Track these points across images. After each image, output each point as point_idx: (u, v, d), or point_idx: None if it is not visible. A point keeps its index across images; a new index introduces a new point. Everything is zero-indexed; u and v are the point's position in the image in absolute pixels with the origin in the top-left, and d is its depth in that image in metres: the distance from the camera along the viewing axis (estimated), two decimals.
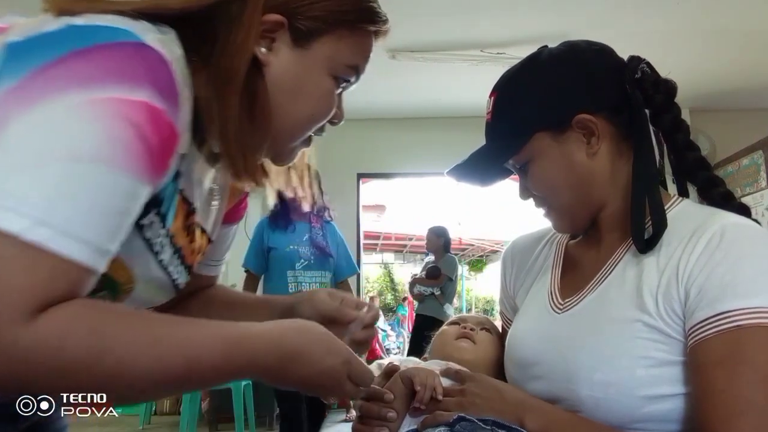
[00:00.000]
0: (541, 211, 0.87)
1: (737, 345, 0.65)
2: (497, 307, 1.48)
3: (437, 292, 5.12)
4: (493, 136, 0.85)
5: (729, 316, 0.66)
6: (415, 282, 5.52)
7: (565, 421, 0.72)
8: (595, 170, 0.80)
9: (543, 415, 0.72)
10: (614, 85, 0.80)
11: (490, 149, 0.85)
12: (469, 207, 12.15)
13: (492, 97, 0.84)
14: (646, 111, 0.80)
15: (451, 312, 5.05)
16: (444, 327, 1.01)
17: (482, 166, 0.86)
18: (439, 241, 5.35)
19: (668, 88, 0.80)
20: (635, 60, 0.81)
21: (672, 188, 0.85)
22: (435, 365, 0.87)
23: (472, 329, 0.96)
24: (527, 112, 0.81)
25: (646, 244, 0.75)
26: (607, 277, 0.79)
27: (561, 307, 0.83)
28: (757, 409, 0.63)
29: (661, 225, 0.74)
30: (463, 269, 15.60)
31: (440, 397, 0.76)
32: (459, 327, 0.98)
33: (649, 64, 0.81)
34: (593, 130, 0.78)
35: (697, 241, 0.71)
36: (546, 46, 0.85)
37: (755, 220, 0.75)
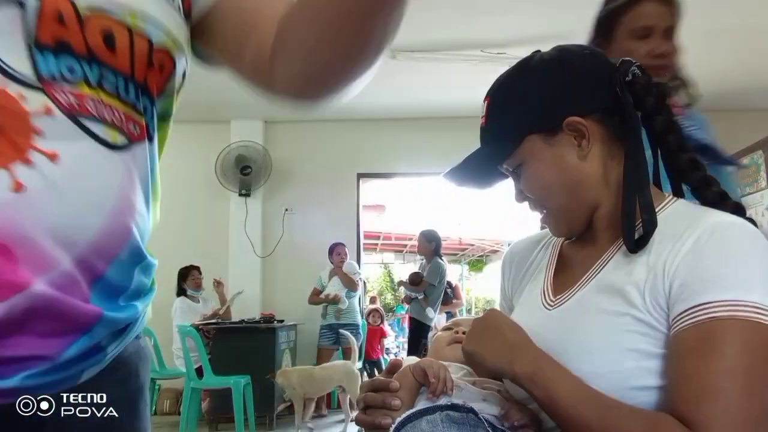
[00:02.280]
0: (538, 214, 0.88)
1: (710, 335, 0.66)
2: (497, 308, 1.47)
3: (420, 296, 5.33)
4: (487, 140, 0.86)
5: (705, 308, 0.67)
6: (401, 284, 5.80)
7: (550, 371, 0.72)
8: (586, 172, 0.81)
9: (531, 363, 0.73)
10: (605, 88, 0.81)
11: (485, 153, 0.86)
12: (469, 207, 12.14)
13: (485, 102, 0.86)
14: (638, 113, 0.81)
15: (432, 315, 5.28)
16: (438, 333, 1.00)
17: (477, 170, 0.87)
18: (430, 246, 5.42)
19: (659, 90, 0.81)
20: (626, 63, 0.82)
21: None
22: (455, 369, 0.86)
23: (464, 333, 0.94)
24: (518, 115, 0.82)
25: (636, 244, 0.75)
26: (597, 274, 0.80)
27: (552, 304, 0.84)
28: (726, 397, 0.64)
29: (651, 225, 0.75)
30: (463, 269, 15.61)
31: (451, 393, 0.77)
32: (452, 332, 0.97)
33: (640, 67, 0.81)
34: (583, 132, 0.79)
35: (687, 239, 0.72)
36: (538, 51, 0.86)
37: (750, 219, 0.76)
